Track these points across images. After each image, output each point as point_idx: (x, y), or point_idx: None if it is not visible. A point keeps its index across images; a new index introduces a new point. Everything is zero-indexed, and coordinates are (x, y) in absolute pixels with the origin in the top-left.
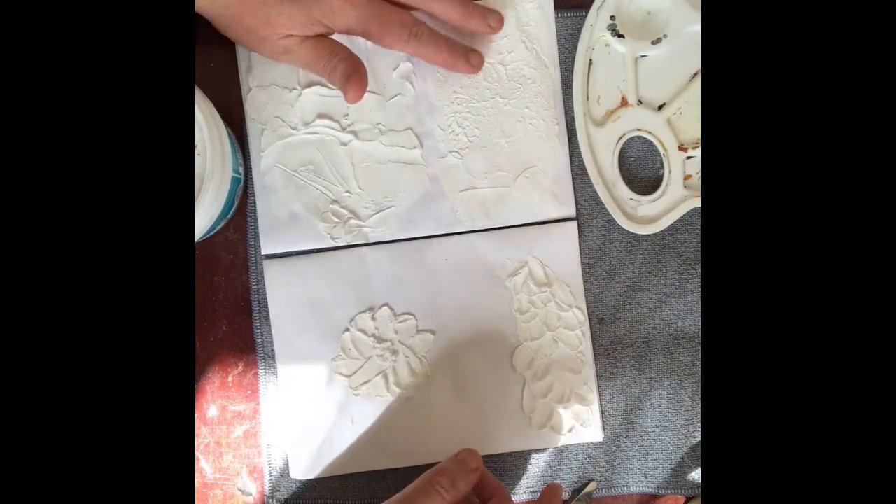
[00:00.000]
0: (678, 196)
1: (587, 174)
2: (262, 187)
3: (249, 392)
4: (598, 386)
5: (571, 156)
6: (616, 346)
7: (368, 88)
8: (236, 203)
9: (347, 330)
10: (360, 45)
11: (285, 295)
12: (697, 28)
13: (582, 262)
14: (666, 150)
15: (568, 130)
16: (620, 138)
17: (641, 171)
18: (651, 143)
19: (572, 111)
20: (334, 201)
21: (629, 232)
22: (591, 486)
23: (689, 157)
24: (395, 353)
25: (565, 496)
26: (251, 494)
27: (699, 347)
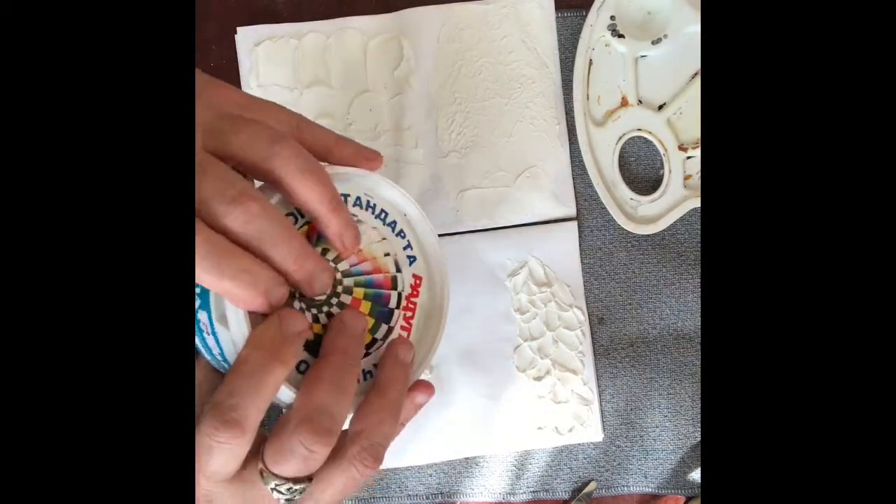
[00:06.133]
0: (678, 196)
1: (587, 174)
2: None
3: None
4: (598, 386)
5: (571, 156)
6: (616, 346)
7: (369, 88)
8: None
9: None
10: (357, 44)
11: None
12: (697, 28)
13: (582, 262)
14: (666, 150)
15: (568, 130)
16: (620, 138)
17: (641, 171)
18: (651, 143)
19: (572, 111)
20: None
21: (629, 232)
22: (591, 486)
23: (689, 157)
24: None
25: (565, 496)
26: None
27: (699, 347)
